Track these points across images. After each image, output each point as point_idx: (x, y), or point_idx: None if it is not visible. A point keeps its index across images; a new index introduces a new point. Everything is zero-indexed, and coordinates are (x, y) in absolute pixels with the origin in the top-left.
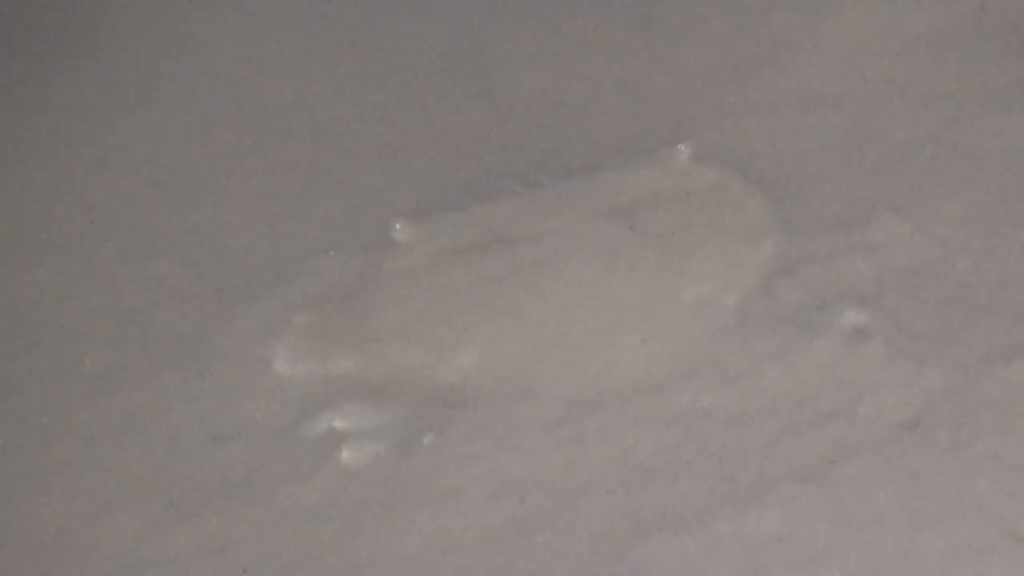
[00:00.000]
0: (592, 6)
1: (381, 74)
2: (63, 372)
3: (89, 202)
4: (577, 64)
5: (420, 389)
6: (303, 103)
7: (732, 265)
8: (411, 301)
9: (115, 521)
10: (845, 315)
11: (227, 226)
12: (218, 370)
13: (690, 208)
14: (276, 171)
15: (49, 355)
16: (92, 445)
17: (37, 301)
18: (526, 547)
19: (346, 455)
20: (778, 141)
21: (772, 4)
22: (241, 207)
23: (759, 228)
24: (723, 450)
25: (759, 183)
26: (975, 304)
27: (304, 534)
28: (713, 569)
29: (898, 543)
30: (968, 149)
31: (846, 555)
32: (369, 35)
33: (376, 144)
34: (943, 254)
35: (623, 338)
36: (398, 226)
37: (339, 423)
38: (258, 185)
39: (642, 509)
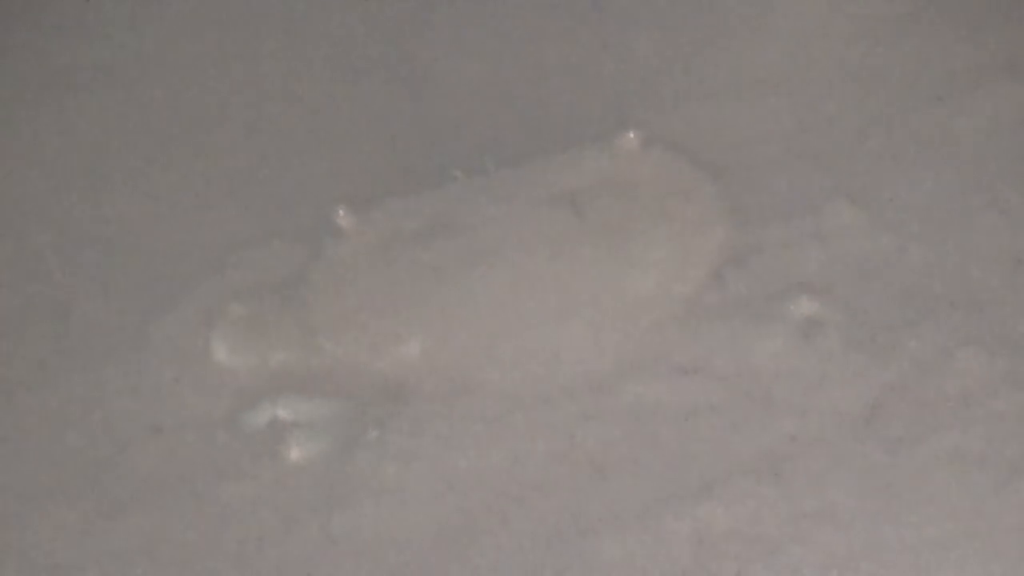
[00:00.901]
0: None
1: (321, 58)
2: None
3: (18, 192)
4: (522, 49)
5: (362, 382)
6: (239, 88)
7: (681, 254)
8: (352, 291)
9: (50, 517)
10: (797, 305)
11: (162, 214)
12: (155, 362)
13: (638, 196)
14: (212, 156)
15: None
16: (25, 438)
17: None
18: (470, 544)
19: (287, 450)
20: (728, 127)
21: None
22: (176, 194)
23: (709, 216)
24: (672, 444)
25: (709, 170)
26: (930, 293)
27: (244, 528)
28: (664, 566)
29: (853, 538)
30: (922, 135)
31: (800, 550)
32: (308, 18)
33: (316, 129)
34: (897, 242)
35: (569, 330)
36: (342, 213)
37: (280, 417)
38: (194, 171)
39: (589, 505)
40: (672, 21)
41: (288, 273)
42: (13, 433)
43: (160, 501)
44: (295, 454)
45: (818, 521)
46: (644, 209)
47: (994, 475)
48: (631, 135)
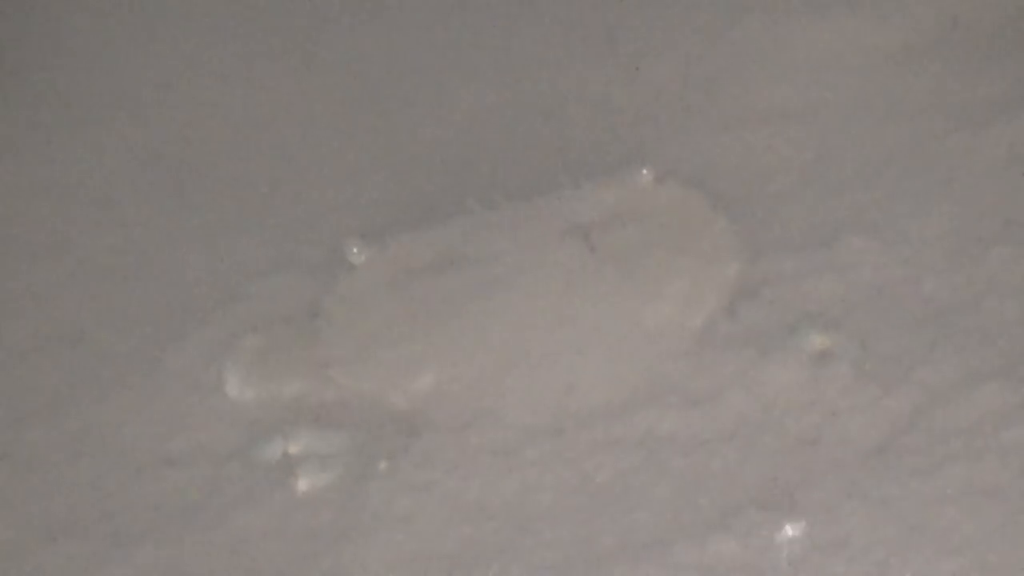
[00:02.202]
0: (551, 20)
1: (334, 88)
2: (5, 395)
3: (33, 221)
4: (536, 80)
5: (374, 414)
6: (253, 118)
7: (694, 286)
8: (365, 323)
9: (61, 547)
10: (810, 337)
11: (174, 245)
12: (167, 393)
13: (651, 228)
14: (224, 188)
15: None
16: (37, 468)
17: None
18: (481, 575)
19: (299, 481)
20: (742, 159)
21: (736, 19)
22: (188, 225)
23: (722, 248)
24: (684, 476)
25: (722, 202)
26: (944, 325)
27: (255, 561)
28: None
29: (865, 571)
30: (937, 166)
31: None
32: (320, 48)
33: (328, 161)
34: (911, 274)
35: (582, 361)
36: (355, 249)
37: (292, 448)
38: (205, 202)
39: (600, 536)
40: (687, 52)
41: (301, 305)
42: (25, 463)
43: (172, 532)
44: (306, 485)
45: (830, 554)
46: (657, 242)
47: (1007, 507)
48: (645, 171)
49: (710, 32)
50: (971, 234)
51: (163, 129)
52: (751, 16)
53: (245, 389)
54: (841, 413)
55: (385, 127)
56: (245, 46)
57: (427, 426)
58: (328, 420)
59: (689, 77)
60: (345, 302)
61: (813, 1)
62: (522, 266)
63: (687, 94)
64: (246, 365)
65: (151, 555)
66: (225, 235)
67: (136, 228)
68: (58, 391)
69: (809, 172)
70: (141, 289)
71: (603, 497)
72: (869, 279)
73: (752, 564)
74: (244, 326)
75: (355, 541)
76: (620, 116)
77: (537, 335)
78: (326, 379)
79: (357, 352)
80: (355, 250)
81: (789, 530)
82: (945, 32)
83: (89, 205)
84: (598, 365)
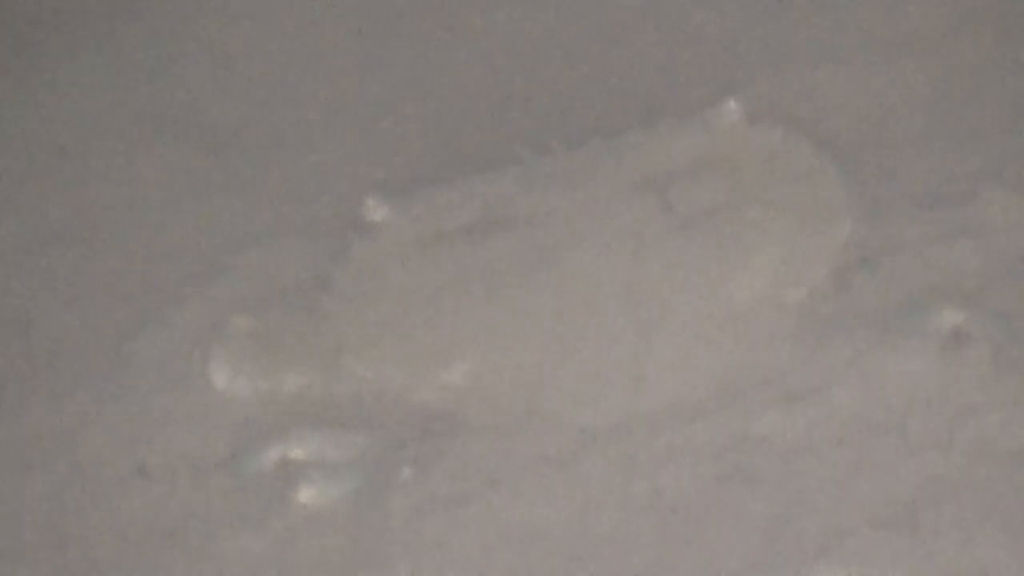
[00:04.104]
0: None
1: (348, 7)
2: None
3: None
4: None
5: (396, 412)
6: (246, 45)
7: (796, 253)
8: (384, 299)
9: None
10: (941, 316)
11: (146, 205)
12: (140, 388)
13: (742, 180)
14: (209, 134)
15: None
16: None
17: None
18: None
19: (302, 495)
20: (856, 94)
21: None
22: (165, 180)
23: (831, 205)
24: (782, 489)
25: (831, 146)
26: None
27: None
28: None
29: None
30: None
31: None
32: None
33: (340, 99)
34: None
35: (655, 347)
36: (371, 203)
37: (293, 455)
38: (185, 152)
39: (678, 565)
40: None
41: (305, 278)
42: None
43: (145, 560)
44: (311, 501)
45: None
46: (749, 198)
47: None
48: (732, 105)
49: None
50: None
51: (135, 61)
52: None
53: (235, 382)
54: (978, 410)
55: (411, 55)
56: None
57: (462, 427)
58: (338, 420)
59: None
60: (359, 272)
61: None
62: (580, 228)
63: (787, 13)
64: (236, 352)
65: None
66: (210, 192)
67: (99, 185)
68: (2, 389)
69: (938, 111)
70: (105, 261)
71: (681, 516)
72: (1013, 244)
73: None
74: (234, 304)
75: (371, 570)
76: (703, 41)
77: (599, 314)
78: (336, 369)
79: (375, 335)
80: (371, 203)
81: (912, 557)
82: None
83: (41, 156)
84: (675, 352)
